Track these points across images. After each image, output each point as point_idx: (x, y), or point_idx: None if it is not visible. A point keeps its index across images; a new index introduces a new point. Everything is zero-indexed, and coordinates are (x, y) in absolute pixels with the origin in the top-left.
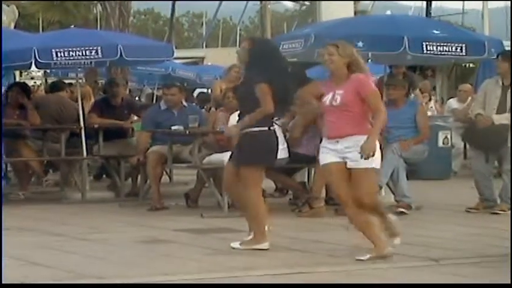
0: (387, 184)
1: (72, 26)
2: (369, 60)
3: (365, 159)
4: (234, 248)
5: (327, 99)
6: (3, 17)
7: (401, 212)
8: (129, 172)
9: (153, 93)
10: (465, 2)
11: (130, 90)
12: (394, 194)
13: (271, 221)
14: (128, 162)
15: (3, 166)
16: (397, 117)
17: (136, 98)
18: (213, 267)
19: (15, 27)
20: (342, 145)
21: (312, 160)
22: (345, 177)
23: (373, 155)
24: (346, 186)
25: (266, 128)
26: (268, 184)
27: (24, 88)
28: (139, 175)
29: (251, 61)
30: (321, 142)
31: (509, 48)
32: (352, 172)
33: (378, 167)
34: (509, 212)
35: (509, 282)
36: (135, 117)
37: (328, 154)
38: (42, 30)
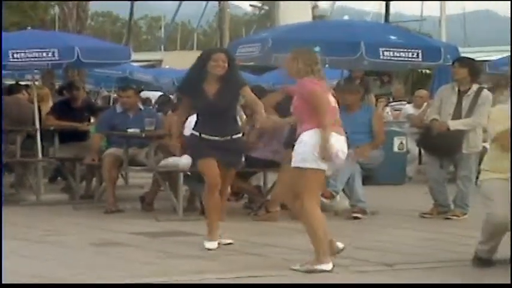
0: (343, 189)
1: (29, 28)
2: (326, 65)
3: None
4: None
5: None
6: None
7: (357, 217)
8: (84, 174)
9: (109, 96)
10: (423, 7)
11: (87, 93)
12: (349, 199)
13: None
14: (83, 165)
15: None
16: (352, 122)
17: (93, 101)
18: (168, 271)
19: None
20: None
21: (267, 164)
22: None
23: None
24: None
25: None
26: None
27: None
28: (95, 177)
29: (230, 72)
30: (277, 146)
31: (464, 55)
32: None
33: (300, 165)
34: (463, 217)
35: (509, 282)
36: (93, 120)
37: None
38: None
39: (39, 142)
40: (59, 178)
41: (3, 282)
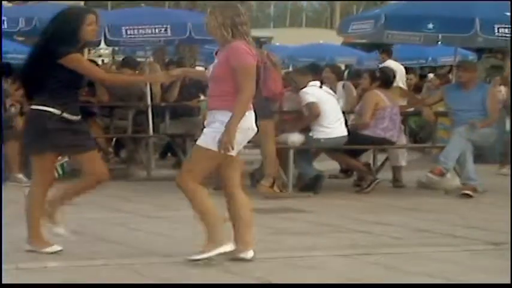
0: (453, 167)
1: (142, 5)
2: (439, 42)
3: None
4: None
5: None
6: None
7: (467, 195)
8: None
9: None
10: None
11: None
12: (459, 177)
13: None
14: (194, 141)
15: None
16: (466, 99)
17: None
18: (277, 247)
19: (84, 4)
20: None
21: (377, 141)
22: None
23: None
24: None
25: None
26: (334, 166)
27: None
28: None
29: None
30: (389, 124)
31: None
32: None
33: (214, 148)
34: None
35: (509, 282)
36: (202, 97)
37: None
38: (111, 8)
39: (150, 118)
40: (168, 154)
41: (3, 282)
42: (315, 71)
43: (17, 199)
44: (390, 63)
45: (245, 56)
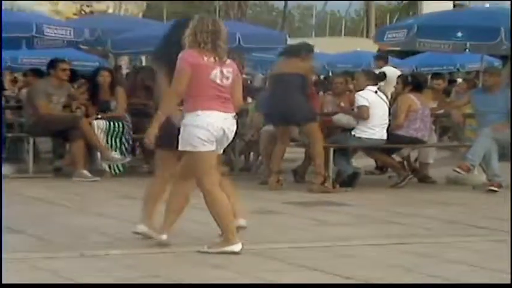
0: (480, 164)
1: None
2: (467, 50)
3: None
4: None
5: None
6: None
7: (493, 190)
8: (243, 149)
9: (266, 78)
10: None
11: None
12: (485, 173)
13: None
14: (242, 140)
15: (131, 142)
16: (491, 102)
17: (249, 82)
18: (319, 237)
19: (143, 16)
20: None
21: (410, 141)
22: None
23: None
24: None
25: None
26: (370, 163)
27: (152, 72)
28: (252, 152)
29: None
30: (420, 125)
31: None
32: None
33: (189, 149)
34: None
35: (509, 282)
36: (250, 100)
37: None
38: (166, 20)
39: None
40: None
41: (3, 282)
42: (378, 79)
43: (84, 192)
44: (385, 69)
45: (180, 61)
